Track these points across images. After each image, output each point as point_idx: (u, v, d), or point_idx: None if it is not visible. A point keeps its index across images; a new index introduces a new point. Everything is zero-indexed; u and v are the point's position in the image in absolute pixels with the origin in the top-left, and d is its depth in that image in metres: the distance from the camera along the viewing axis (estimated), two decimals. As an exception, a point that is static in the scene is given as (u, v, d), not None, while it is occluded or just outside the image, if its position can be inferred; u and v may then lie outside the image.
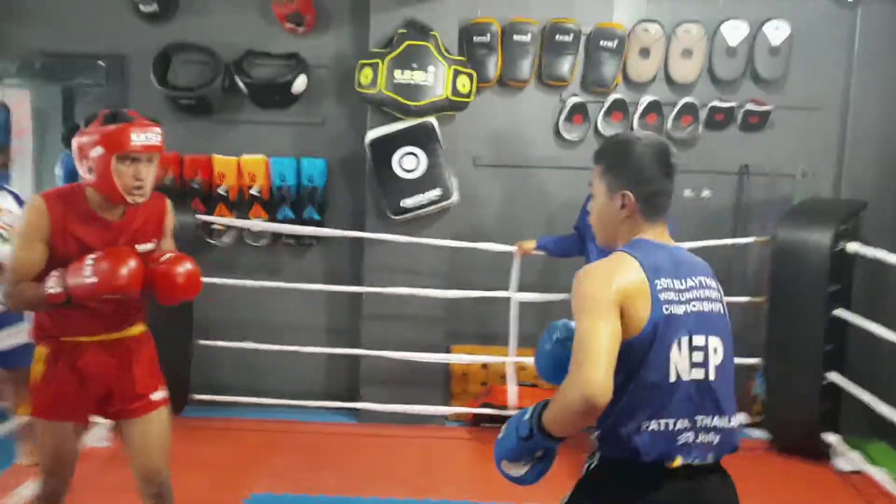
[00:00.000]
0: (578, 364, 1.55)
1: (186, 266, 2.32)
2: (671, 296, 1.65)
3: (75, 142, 2.28)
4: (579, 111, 4.63)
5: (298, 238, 4.68)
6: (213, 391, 4.55)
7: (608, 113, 4.63)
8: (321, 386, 4.81)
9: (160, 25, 4.63)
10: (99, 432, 4.00)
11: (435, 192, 4.40)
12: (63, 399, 2.35)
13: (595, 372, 1.53)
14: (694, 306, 1.67)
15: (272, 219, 4.61)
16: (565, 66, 4.60)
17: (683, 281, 1.68)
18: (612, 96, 4.62)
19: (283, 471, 3.89)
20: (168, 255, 2.36)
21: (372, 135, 4.39)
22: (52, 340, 2.37)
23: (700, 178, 4.72)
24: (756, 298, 4.54)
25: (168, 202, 2.52)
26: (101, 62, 4.75)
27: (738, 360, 4.56)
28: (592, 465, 1.73)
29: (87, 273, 2.14)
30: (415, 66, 4.29)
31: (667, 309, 1.63)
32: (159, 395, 2.47)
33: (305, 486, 3.70)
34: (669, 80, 4.69)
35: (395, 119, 4.39)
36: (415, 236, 4.41)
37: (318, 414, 4.65)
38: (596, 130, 4.67)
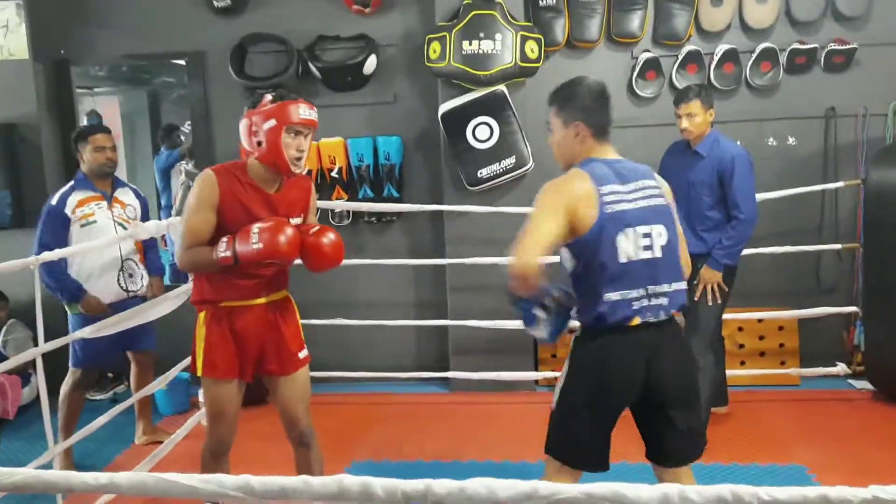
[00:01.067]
0: (518, 248, 2.12)
1: (331, 237, 2.58)
2: (615, 198, 2.17)
3: (245, 120, 2.54)
4: (652, 67, 4.54)
5: (379, 216, 4.79)
6: (309, 368, 4.72)
7: (682, 66, 4.53)
8: (412, 358, 4.93)
9: (234, 19, 4.79)
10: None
11: (510, 161, 4.41)
12: (228, 358, 2.61)
13: (527, 256, 2.09)
14: (637, 203, 2.19)
15: (353, 198, 4.74)
16: (635, 21, 4.52)
17: (626, 185, 2.21)
18: (686, 48, 4.51)
19: (381, 440, 4.03)
20: (316, 228, 2.61)
21: (444, 108, 4.43)
22: (211, 306, 2.63)
23: (784, 125, 4.57)
24: (849, 245, 4.39)
25: (312, 183, 2.83)
26: (181, 60, 4.95)
27: (835, 310, 4.46)
28: (577, 335, 2.29)
29: (254, 240, 2.40)
30: (482, 35, 4.29)
31: (610, 209, 2.15)
32: (304, 353, 2.76)
33: (404, 453, 3.82)
34: (745, 26, 4.54)
35: (466, 90, 4.41)
36: (493, 206, 4.44)
37: (411, 385, 4.78)
38: (671, 84, 4.57)
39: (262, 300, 2.66)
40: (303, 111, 2.51)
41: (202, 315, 2.65)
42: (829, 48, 4.44)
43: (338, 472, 3.62)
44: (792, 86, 4.54)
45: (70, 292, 3.58)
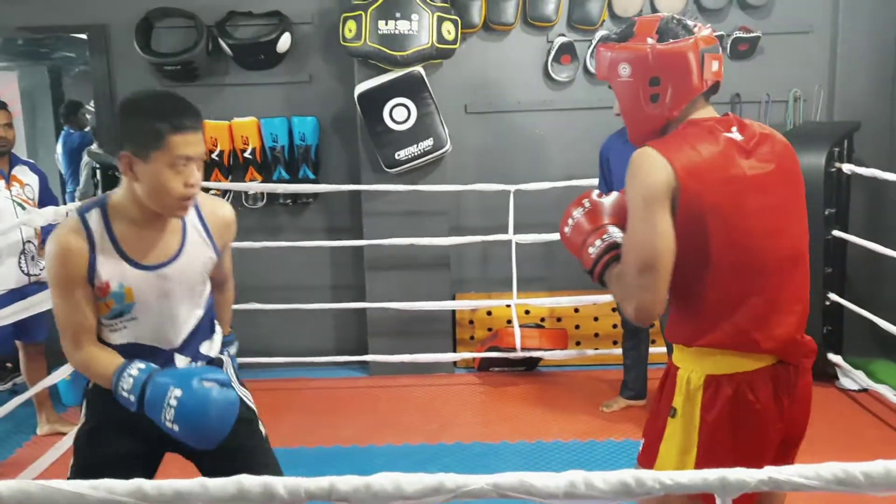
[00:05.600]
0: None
1: None
2: None
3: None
4: (567, 51, 4.59)
5: (295, 197, 4.69)
6: (223, 354, 4.61)
7: (595, 51, 4.58)
8: (330, 342, 4.88)
9: (139, -8, 4.58)
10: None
11: (427, 143, 4.39)
12: None
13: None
14: None
15: (267, 180, 4.63)
16: (550, 5, 4.54)
17: None
18: (599, 33, 4.57)
19: (297, 426, 3.98)
20: None
21: (360, 88, 4.36)
22: None
23: (692, 110, 4.69)
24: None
25: None
26: (83, 34, 4.71)
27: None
28: None
29: None
30: (398, 15, 4.24)
31: None
32: None
33: (320, 439, 3.79)
34: (656, 12, 4.61)
35: (383, 71, 4.36)
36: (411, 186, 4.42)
37: (328, 370, 4.73)
38: (585, 69, 4.63)
39: None
40: None
41: None
42: (735, 36, 4.58)
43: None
44: (700, 72, 4.65)
45: None
